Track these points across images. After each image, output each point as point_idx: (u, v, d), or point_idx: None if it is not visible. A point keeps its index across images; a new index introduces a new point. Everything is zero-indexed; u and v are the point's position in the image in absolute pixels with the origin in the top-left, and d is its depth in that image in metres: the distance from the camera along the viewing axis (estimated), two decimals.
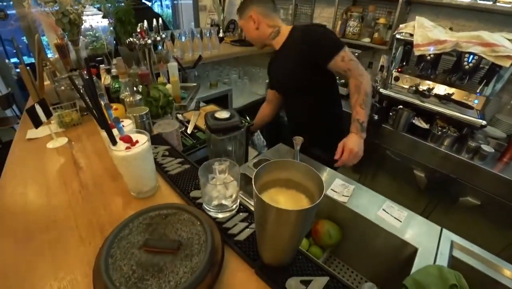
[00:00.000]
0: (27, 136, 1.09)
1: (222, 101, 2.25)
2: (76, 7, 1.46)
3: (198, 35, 2.33)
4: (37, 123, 0.99)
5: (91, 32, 1.96)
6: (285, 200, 0.50)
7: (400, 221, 0.95)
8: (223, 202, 0.67)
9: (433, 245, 0.88)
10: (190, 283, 0.46)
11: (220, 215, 0.68)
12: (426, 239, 0.90)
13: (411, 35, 1.74)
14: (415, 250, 0.86)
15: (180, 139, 1.18)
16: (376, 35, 2.15)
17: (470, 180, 1.63)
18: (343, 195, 1.03)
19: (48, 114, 1.04)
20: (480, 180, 1.59)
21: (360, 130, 1.13)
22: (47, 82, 1.47)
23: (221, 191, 0.66)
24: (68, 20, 1.43)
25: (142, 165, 0.71)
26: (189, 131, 1.36)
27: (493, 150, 1.57)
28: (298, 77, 1.25)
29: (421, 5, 2.04)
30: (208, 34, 2.39)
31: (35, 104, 0.99)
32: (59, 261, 0.58)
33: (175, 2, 4.61)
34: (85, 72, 0.74)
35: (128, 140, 0.67)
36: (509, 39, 1.49)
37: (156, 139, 1.01)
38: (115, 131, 0.68)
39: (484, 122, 1.56)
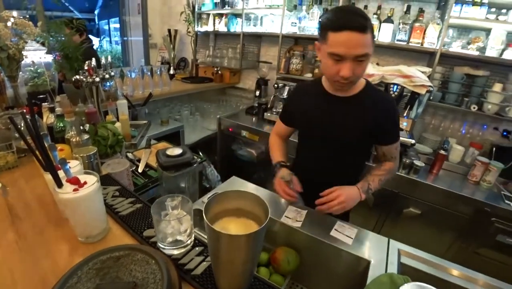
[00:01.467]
0: None
1: (174, 138, 2.22)
2: (14, 39, 1.38)
3: (149, 73, 2.34)
4: None
5: (32, 68, 1.85)
6: (236, 227, 0.52)
7: (352, 238, 1.01)
8: (178, 237, 0.67)
9: (383, 255, 0.95)
10: None
11: (175, 252, 0.67)
12: (376, 251, 0.96)
13: None
14: (368, 263, 0.92)
15: (131, 178, 1.14)
16: (316, 70, 2.38)
17: (409, 193, 1.82)
18: (296, 220, 1.07)
19: None
20: (417, 191, 1.79)
21: (364, 191, 1.11)
22: None
23: (175, 226, 0.66)
24: (6, 55, 1.34)
25: (91, 207, 0.68)
26: (140, 170, 1.32)
27: (424, 164, 1.78)
28: (354, 138, 1.12)
29: None
30: (158, 72, 2.41)
31: None
32: None
33: (125, 39, 4.60)
34: (27, 110, 0.71)
35: (75, 182, 0.64)
36: (422, 71, 1.78)
37: (105, 180, 0.97)
38: (61, 173, 0.65)
39: (413, 141, 1.79)
